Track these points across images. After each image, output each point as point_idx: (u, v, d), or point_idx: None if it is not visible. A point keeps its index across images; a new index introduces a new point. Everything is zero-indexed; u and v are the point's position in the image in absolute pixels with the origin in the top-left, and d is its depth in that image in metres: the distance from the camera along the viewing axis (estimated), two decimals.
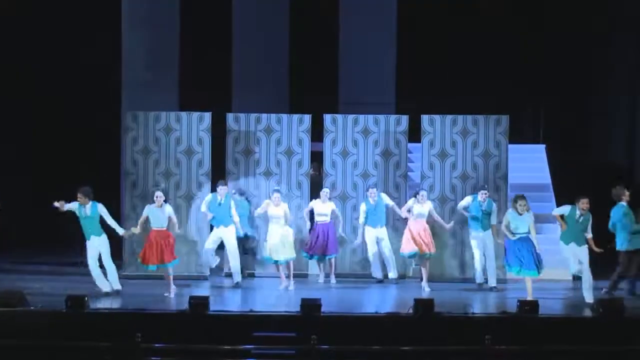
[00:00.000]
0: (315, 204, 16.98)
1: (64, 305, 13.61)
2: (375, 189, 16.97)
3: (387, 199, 17.05)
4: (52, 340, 12.92)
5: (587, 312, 14.28)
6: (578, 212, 14.96)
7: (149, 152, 17.60)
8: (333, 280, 17.02)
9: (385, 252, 17.00)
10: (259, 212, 16.68)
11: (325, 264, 17.13)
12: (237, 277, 16.46)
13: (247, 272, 17.25)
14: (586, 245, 15.02)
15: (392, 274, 17.02)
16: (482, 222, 16.39)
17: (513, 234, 14.91)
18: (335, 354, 12.80)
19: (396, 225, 17.32)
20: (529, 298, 14.53)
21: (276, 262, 16.32)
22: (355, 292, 16.39)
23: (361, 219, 16.98)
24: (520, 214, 14.91)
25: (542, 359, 12.81)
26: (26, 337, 12.95)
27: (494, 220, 16.36)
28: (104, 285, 15.49)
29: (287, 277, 16.35)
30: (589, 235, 15.03)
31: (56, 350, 12.78)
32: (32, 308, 13.81)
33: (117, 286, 15.51)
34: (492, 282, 16.42)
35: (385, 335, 13.22)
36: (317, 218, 16.92)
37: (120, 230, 15.60)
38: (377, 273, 17.13)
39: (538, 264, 14.94)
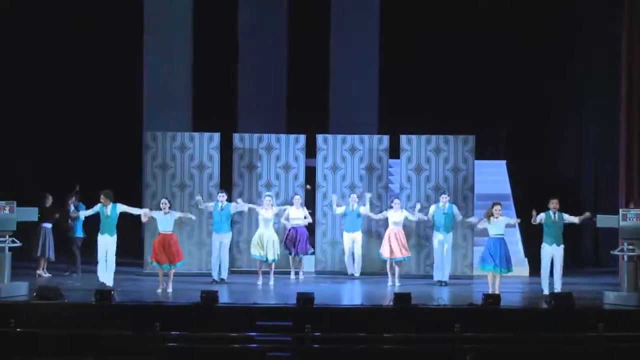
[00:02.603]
0: (291, 210, 16.90)
1: (94, 298, 13.64)
2: (355, 196, 16.99)
3: (362, 209, 16.92)
4: (83, 328, 12.92)
5: (542, 304, 14.31)
6: (551, 213, 15.00)
7: (167, 167, 17.62)
8: (301, 276, 16.94)
9: (356, 253, 16.97)
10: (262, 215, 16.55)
11: (296, 261, 17.05)
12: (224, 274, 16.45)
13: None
14: (563, 246, 15.06)
15: (357, 273, 16.97)
16: (444, 224, 16.37)
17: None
18: (326, 341, 12.81)
19: (378, 231, 17.33)
20: (496, 292, 14.54)
21: (267, 260, 16.18)
22: (341, 287, 16.37)
23: (339, 210, 16.98)
24: (496, 218, 14.91)
25: (504, 345, 12.81)
26: (61, 326, 12.95)
27: (458, 217, 16.34)
28: (102, 277, 15.25)
29: (265, 273, 16.23)
30: (575, 220, 14.99)
31: (86, 338, 12.74)
32: (66, 301, 13.82)
33: (110, 282, 15.20)
34: (445, 277, 16.38)
35: (370, 324, 13.22)
36: (292, 221, 16.85)
37: (142, 212, 15.44)
38: (351, 270, 17.07)
39: (509, 264, 14.96)
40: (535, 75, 20.72)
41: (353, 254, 16.99)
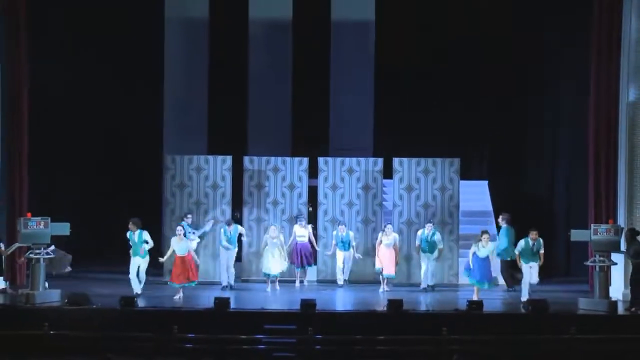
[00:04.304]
0: (296, 229, 17.01)
1: (119, 304, 13.67)
2: (344, 227, 17.01)
3: (351, 237, 16.98)
4: (109, 331, 12.96)
5: (520, 309, 14.33)
6: (530, 242, 15.13)
7: (184, 187, 17.69)
8: (305, 283, 17.05)
9: (346, 265, 16.99)
10: (264, 246, 16.63)
11: (300, 271, 17.08)
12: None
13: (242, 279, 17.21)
14: (538, 262, 15.14)
15: (342, 281, 16.98)
16: (428, 248, 16.47)
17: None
18: (327, 342, 12.84)
19: (373, 243, 17.33)
20: (476, 299, 14.59)
21: (275, 275, 16.32)
22: (340, 294, 16.39)
23: (333, 242, 17.02)
24: (485, 247, 15.09)
25: (486, 346, 12.84)
26: (90, 329, 12.99)
27: (440, 245, 16.46)
28: (135, 287, 15.39)
29: (272, 282, 16.33)
30: (542, 251, 15.17)
31: (112, 339, 12.79)
32: (94, 306, 13.86)
33: (139, 291, 15.36)
34: (431, 282, 16.46)
35: (366, 327, 13.28)
36: (297, 239, 16.94)
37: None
38: (340, 280, 17.02)
39: (490, 280, 15.15)
40: (516, 100, 20.72)
41: (344, 267, 17.03)
